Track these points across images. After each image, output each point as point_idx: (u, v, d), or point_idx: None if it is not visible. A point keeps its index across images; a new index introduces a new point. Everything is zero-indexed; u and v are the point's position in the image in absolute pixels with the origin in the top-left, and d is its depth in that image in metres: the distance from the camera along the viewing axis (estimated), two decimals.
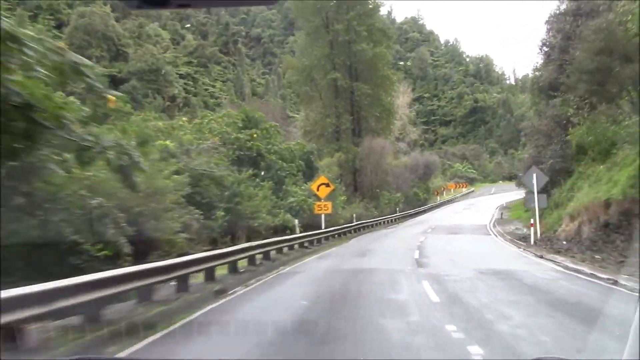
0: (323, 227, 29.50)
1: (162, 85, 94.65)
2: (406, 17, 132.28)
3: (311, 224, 30.86)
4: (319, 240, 26.78)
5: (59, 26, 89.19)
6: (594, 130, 28.94)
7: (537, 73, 45.61)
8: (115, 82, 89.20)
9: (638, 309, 1.99)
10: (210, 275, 13.43)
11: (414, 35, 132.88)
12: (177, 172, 21.29)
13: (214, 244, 21.26)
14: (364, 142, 53.49)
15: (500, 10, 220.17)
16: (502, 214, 48.57)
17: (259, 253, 17.29)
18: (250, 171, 26.19)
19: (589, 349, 6.24)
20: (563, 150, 32.15)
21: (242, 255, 15.61)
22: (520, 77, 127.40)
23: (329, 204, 29.59)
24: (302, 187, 31.27)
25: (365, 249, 23.41)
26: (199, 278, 13.36)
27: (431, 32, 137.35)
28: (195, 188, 22.74)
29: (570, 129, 32.00)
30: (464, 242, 27.30)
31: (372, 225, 41.72)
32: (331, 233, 29.38)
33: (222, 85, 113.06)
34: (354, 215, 39.03)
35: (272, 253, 19.57)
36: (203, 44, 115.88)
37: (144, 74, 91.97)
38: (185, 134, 29.02)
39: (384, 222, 46.17)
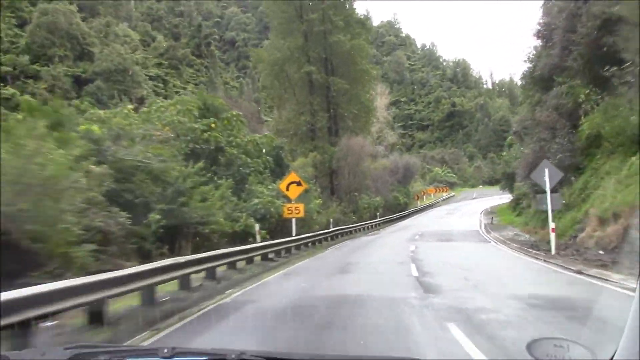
0: (294, 233, 24.16)
1: (130, 86, 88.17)
2: (382, 21, 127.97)
3: (280, 230, 25.52)
4: (288, 250, 21.37)
5: (22, 25, 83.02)
6: (612, 118, 24.21)
7: (529, 65, 41.28)
8: (79, 83, 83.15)
9: (633, 306, 1.74)
10: (97, 317, 7.95)
11: (391, 39, 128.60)
12: (99, 163, 15.93)
13: (146, 257, 15.73)
14: (341, 142, 48.32)
15: (476, 14, 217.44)
16: (492, 218, 43.73)
17: (195, 271, 11.86)
18: (201, 163, 20.71)
19: None
20: (572, 143, 27.30)
21: (163, 277, 10.08)
22: (497, 82, 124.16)
23: (301, 207, 24.24)
24: (270, 187, 25.82)
25: (346, 261, 18.00)
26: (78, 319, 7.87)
27: (407, 36, 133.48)
28: (124, 184, 17.27)
29: (582, 117, 27.23)
30: (463, 251, 22.13)
31: (351, 232, 36.49)
32: (304, 241, 23.96)
33: (194, 88, 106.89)
34: (331, 220, 33.78)
35: (222, 269, 14.19)
36: (174, 46, 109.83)
37: (110, 74, 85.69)
38: (130, 124, 23.57)
39: (364, 228, 40.98)
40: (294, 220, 24.19)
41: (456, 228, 38.05)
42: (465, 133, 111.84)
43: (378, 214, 49.09)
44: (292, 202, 24.34)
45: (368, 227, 42.22)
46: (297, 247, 23.17)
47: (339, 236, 32.96)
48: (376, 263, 17.51)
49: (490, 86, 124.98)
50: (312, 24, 48.19)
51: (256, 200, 23.84)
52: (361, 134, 51.69)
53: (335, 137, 49.48)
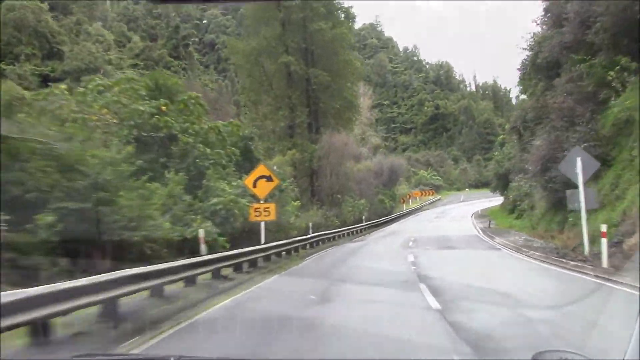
0: (263, 241, 18.97)
1: None
2: (364, 24, 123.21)
3: (248, 236, 20.28)
4: (253, 263, 16.16)
5: None
6: None
7: (528, 53, 36.65)
8: (47, 82, 77.16)
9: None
10: None
11: (373, 42, 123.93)
12: None
13: (31, 278, 10.44)
14: (323, 139, 43.29)
15: (458, 16, 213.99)
16: (489, 222, 38.84)
17: (81, 306, 6.67)
18: (130, 147, 15.43)
19: None
20: (595, 131, 22.51)
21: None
22: (480, 84, 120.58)
23: (272, 207, 19.02)
24: (234, 184, 20.56)
25: (328, 280, 12.71)
26: None
27: (390, 39, 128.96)
28: (12, 172, 11.98)
29: (610, 100, 22.42)
30: (478, 262, 17.13)
31: (333, 238, 31.36)
32: (275, 250, 18.76)
33: None
34: (310, 225, 28.68)
35: (136, 297, 9.02)
36: (150, 46, 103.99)
37: (80, 74, 79.79)
38: (59, 107, 18.34)
39: (348, 233, 35.87)
40: (263, 224, 19.00)
41: (452, 233, 33.09)
42: (449, 136, 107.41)
43: (363, 217, 44.00)
44: (261, 202, 19.16)
45: (353, 232, 37.10)
46: (267, 258, 17.96)
47: (320, 243, 27.81)
48: (370, 282, 12.31)
49: (473, 89, 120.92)
50: (290, 10, 43.02)
51: (215, 200, 18.57)
52: (344, 132, 46.72)
53: (316, 134, 44.31)
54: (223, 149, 22.00)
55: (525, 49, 36.80)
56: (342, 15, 46.93)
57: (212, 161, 20.37)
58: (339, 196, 43.38)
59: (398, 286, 11.20)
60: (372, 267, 16.15)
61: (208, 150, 20.58)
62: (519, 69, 39.38)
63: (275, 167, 28.66)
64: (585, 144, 21.69)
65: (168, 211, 16.88)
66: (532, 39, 35.24)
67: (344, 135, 44.79)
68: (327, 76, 43.28)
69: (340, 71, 45.08)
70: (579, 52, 26.04)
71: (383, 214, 51.75)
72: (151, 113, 19.77)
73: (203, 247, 14.35)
